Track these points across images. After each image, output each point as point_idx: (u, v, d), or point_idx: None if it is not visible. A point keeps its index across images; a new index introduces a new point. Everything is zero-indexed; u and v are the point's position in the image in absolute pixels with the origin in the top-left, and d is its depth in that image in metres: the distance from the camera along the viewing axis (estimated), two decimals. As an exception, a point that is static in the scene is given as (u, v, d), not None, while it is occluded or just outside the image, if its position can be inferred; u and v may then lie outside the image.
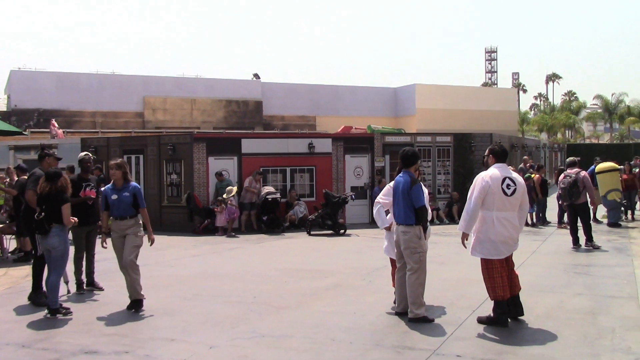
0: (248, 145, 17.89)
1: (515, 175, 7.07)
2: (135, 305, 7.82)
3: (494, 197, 6.81)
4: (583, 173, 12.98)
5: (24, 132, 13.56)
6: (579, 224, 12.86)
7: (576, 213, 12.89)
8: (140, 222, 8.17)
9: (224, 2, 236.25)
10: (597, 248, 12.45)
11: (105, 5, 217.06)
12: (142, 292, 7.94)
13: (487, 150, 7.38)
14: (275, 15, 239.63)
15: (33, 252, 8.70)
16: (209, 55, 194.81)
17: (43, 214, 7.77)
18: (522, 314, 7.04)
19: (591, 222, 13.39)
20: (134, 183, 8.25)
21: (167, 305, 8.15)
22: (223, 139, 20.09)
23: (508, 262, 7.00)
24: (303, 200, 18.03)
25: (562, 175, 13.39)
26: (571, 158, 14.20)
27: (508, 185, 6.85)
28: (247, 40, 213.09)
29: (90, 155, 9.89)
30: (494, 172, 6.96)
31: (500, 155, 7.13)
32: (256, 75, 52.71)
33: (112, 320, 7.42)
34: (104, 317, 7.59)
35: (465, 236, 7.02)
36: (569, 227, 13.28)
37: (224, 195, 16.25)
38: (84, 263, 9.30)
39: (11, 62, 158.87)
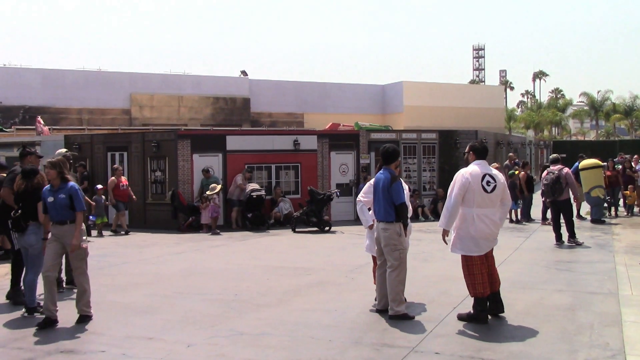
0: (233, 142, 17.80)
1: (495, 172, 7.06)
2: (83, 322, 7.15)
3: (474, 193, 6.81)
4: (566, 170, 13.04)
5: (5, 129, 13.38)
6: (562, 220, 12.90)
7: (559, 210, 12.93)
8: (84, 228, 7.58)
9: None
10: (579, 244, 12.51)
11: (91, 1, 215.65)
12: (91, 309, 7.33)
13: (467, 147, 7.36)
14: (262, 12, 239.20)
15: (11, 249, 8.59)
16: (196, 52, 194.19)
17: (19, 211, 7.67)
18: (503, 311, 7.04)
19: (574, 218, 13.46)
20: (72, 183, 7.41)
21: (146, 303, 8.08)
22: (208, 135, 19.98)
23: (488, 258, 7.00)
24: (288, 197, 17.98)
25: (545, 172, 13.44)
26: (554, 155, 14.26)
27: (488, 182, 6.84)
28: (235, 37, 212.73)
29: (69, 153, 9.77)
30: (473, 168, 6.95)
31: (481, 152, 7.12)
32: (244, 72, 52.70)
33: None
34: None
35: (445, 233, 7.02)
36: (552, 224, 13.32)
37: (207, 193, 16.16)
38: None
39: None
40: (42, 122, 25.67)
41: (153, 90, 45.83)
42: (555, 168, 13.10)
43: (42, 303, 7.78)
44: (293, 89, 50.69)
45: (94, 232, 15.24)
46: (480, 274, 6.85)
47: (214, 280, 9.62)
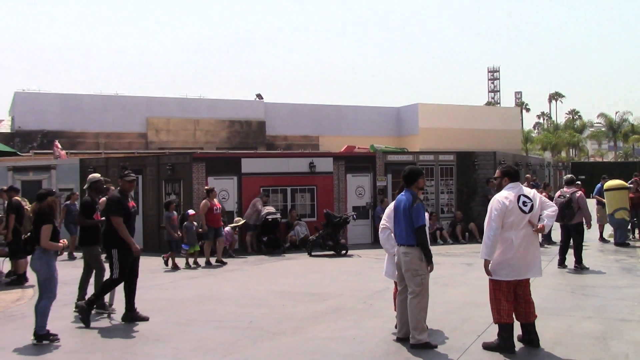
0: (248, 165, 17.64)
1: (528, 190, 6.80)
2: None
3: (512, 217, 6.53)
4: (579, 193, 12.50)
5: (20, 153, 13.34)
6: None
7: (569, 233, 12.50)
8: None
9: (227, 24, 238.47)
10: (585, 269, 12.10)
11: (108, 27, 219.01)
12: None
13: (497, 172, 7.07)
14: (277, 36, 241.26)
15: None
16: (212, 76, 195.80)
17: (29, 234, 7.51)
18: (538, 345, 6.62)
19: (598, 240, 13.04)
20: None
21: (158, 330, 7.83)
22: (223, 158, 19.85)
23: (520, 286, 6.65)
24: (304, 220, 17.73)
25: (557, 193, 13.02)
26: (570, 175, 13.71)
27: (524, 203, 6.59)
28: (250, 61, 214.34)
29: (102, 178, 9.77)
30: (508, 192, 6.68)
31: (514, 175, 6.88)
32: (259, 96, 52.69)
33: (100, 347, 7.10)
34: (92, 343, 7.28)
35: (488, 263, 6.60)
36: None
37: (232, 225, 16.06)
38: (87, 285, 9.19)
39: (15, 83, 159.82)
40: (59, 146, 25.72)
41: (169, 114, 46.00)
42: (568, 190, 12.61)
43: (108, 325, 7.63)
44: (308, 111, 50.66)
45: (177, 262, 13.88)
46: (506, 300, 6.53)
47: (228, 306, 9.35)
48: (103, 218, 8.99)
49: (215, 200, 14.88)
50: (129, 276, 8.56)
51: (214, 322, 8.26)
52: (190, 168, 16.95)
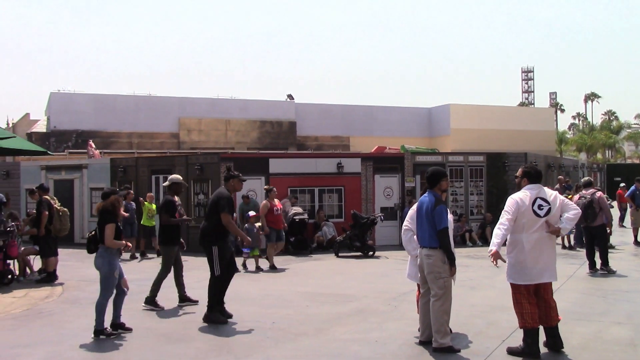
0: (276, 165, 17.67)
1: (549, 194, 6.59)
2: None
3: (524, 219, 6.40)
4: (599, 194, 12.25)
5: (49, 152, 13.60)
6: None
7: (592, 236, 12.24)
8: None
9: (258, 24, 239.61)
10: (612, 273, 11.80)
11: (141, 29, 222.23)
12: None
13: (519, 171, 6.97)
14: (308, 36, 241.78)
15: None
16: (244, 77, 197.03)
17: (93, 232, 7.75)
18: (562, 347, 6.50)
19: (633, 244, 12.74)
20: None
21: (181, 330, 7.86)
22: (251, 159, 19.92)
23: (541, 290, 6.50)
24: (331, 221, 17.68)
25: (577, 196, 12.76)
26: (587, 178, 13.49)
27: (540, 206, 6.43)
28: (281, 62, 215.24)
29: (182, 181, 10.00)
30: (525, 193, 6.56)
31: (533, 176, 6.71)
32: (290, 96, 52.91)
33: (121, 346, 7.16)
34: (120, 343, 7.34)
35: (496, 252, 6.32)
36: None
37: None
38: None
39: (51, 84, 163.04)
40: (93, 145, 26.15)
41: (201, 115, 46.36)
42: (587, 192, 12.35)
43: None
44: (339, 112, 50.57)
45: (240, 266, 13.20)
46: (529, 304, 6.39)
47: (251, 306, 9.35)
48: (185, 217, 9.67)
49: (276, 201, 14.23)
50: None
51: (236, 322, 8.25)
52: (218, 168, 17.04)
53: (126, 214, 15.05)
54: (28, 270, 12.57)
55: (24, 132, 42.08)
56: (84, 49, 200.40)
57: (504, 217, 6.51)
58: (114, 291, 7.66)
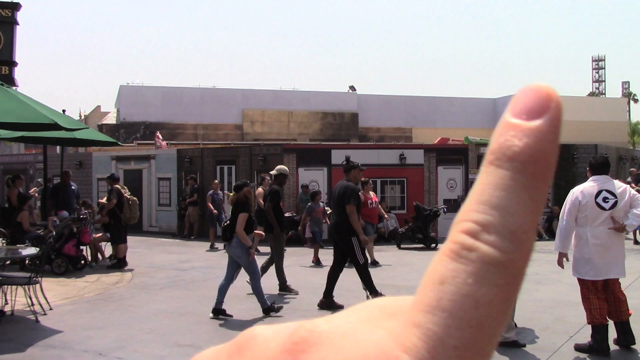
0: (338, 156, 17.65)
1: (618, 186, 6.35)
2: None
3: (587, 212, 6.18)
4: None
5: (119, 143, 14.10)
6: None
7: None
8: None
9: (320, 17, 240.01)
10: None
11: (206, 23, 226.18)
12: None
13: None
14: (370, 27, 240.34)
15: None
16: (306, 68, 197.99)
17: (227, 222, 8.26)
18: (633, 343, 6.29)
19: None
20: None
21: (244, 323, 8.01)
22: (313, 149, 20.04)
23: (610, 285, 6.31)
24: (393, 212, 17.60)
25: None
26: None
27: (605, 199, 6.18)
28: (343, 53, 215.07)
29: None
30: (587, 185, 6.34)
31: (596, 167, 6.46)
32: (352, 87, 52.69)
33: (190, 330, 7.36)
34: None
35: (562, 256, 6.42)
36: None
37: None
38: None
39: (121, 78, 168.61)
40: (160, 137, 26.89)
41: (264, 106, 46.86)
42: None
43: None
44: (401, 103, 50.13)
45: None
46: (597, 299, 6.19)
47: (311, 296, 9.43)
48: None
49: (371, 193, 13.51)
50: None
51: (296, 310, 8.36)
52: (281, 159, 17.22)
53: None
54: (100, 257, 13.07)
55: (95, 123, 43.62)
56: (152, 43, 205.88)
57: (564, 212, 6.38)
58: (260, 273, 8.33)
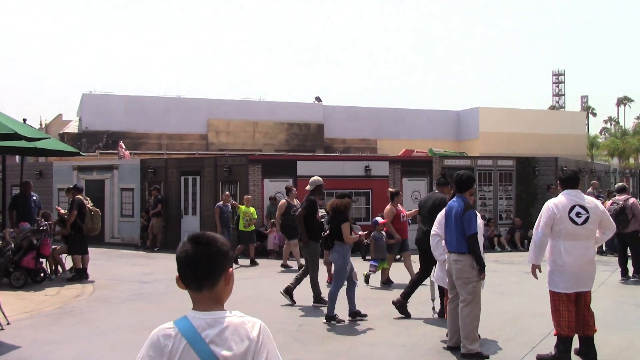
0: (304, 168, 17.69)
1: (589, 201, 6.44)
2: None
3: (561, 226, 6.27)
4: (632, 200, 12.12)
5: (82, 153, 13.82)
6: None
7: (625, 242, 12.10)
8: None
9: (287, 27, 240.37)
10: None
11: (171, 31, 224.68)
12: None
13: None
14: (336, 39, 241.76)
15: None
16: (272, 79, 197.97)
17: (329, 230, 8.66)
18: (595, 358, 6.31)
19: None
20: None
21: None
22: (279, 161, 20.00)
23: (580, 298, 6.37)
24: (359, 224, 17.61)
25: (609, 202, 12.56)
26: (620, 183, 13.44)
27: (578, 214, 6.24)
28: (310, 64, 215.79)
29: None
30: (561, 199, 6.40)
31: (566, 181, 6.54)
32: (318, 99, 52.85)
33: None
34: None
35: (534, 267, 6.49)
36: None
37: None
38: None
39: (83, 85, 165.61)
40: (123, 146, 26.47)
41: (229, 116, 46.63)
42: (620, 198, 12.22)
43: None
44: (367, 115, 50.45)
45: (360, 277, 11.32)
46: (567, 311, 6.24)
47: (279, 308, 9.39)
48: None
49: (401, 206, 12.43)
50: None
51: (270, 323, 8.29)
52: (246, 170, 17.15)
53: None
54: (60, 269, 12.79)
55: (57, 132, 42.80)
56: (116, 50, 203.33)
57: (539, 224, 6.43)
58: (345, 283, 8.49)
